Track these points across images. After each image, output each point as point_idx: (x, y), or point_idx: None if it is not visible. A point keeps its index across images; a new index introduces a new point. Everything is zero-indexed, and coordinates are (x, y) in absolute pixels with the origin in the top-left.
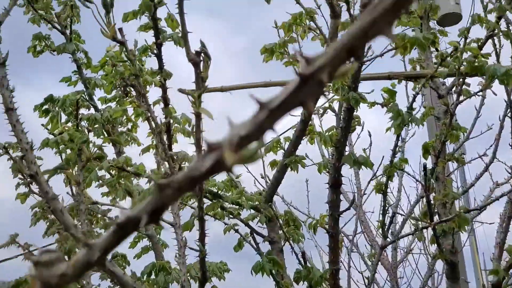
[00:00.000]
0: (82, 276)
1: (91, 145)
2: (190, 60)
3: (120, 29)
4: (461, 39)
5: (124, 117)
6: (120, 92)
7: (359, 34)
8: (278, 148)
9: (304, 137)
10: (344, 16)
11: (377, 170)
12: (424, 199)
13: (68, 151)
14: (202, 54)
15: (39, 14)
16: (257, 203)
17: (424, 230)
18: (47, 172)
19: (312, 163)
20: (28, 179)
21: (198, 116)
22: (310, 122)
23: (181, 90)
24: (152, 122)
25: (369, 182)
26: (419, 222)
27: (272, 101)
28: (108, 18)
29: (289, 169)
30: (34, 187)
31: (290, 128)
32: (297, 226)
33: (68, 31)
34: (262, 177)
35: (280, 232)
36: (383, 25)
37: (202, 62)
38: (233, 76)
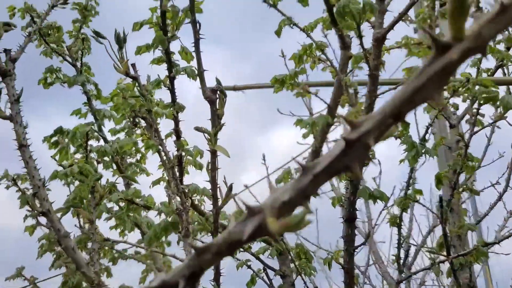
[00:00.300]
0: None
1: (103, 180)
2: (206, 98)
3: (133, 65)
4: (467, 66)
5: (133, 148)
6: (129, 123)
7: (406, 99)
8: (289, 180)
9: None
10: (354, 48)
11: (388, 200)
12: (436, 229)
13: (76, 182)
14: (218, 92)
15: (51, 47)
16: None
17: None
18: (60, 210)
19: (322, 192)
20: (36, 212)
21: (213, 154)
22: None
23: (197, 128)
24: (164, 156)
25: (380, 213)
26: (435, 255)
27: (316, 166)
28: (121, 54)
29: None
30: (42, 219)
31: (296, 156)
32: (309, 259)
33: (79, 64)
34: None
35: (292, 265)
36: (431, 91)
37: (217, 100)
38: (239, 101)
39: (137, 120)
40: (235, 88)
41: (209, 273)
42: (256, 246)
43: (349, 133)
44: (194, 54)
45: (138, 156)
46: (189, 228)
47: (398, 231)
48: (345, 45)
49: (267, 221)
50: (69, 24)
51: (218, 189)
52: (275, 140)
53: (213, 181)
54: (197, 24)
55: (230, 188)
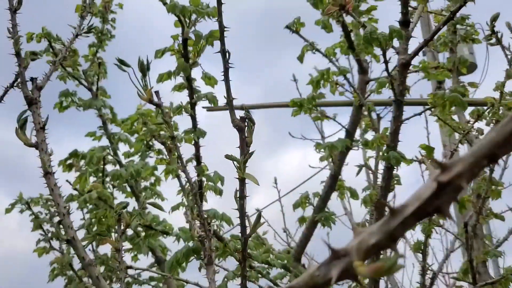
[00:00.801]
0: None
1: (130, 209)
2: (235, 126)
3: (157, 92)
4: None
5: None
6: (143, 146)
7: (502, 142)
8: (307, 204)
9: (333, 192)
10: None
11: None
12: (452, 254)
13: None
14: (247, 120)
15: (67, 72)
16: (285, 261)
17: None
18: (86, 239)
19: (336, 216)
20: (49, 235)
21: (242, 181)
22: (339, 177)
23: (227, 156)
24: (184, 181)
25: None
26: (459, 282)
27: (406, 209)
28: (145, 81)
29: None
30: (54, 243)
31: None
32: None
33: (94, 87)
34: (284, 231)
35: None
36: None
37: (246, 127)
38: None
39: (150, 143)
40: (243, 108)
41: None
42: (274, 272)
43: (440, 175)
44: (222, 82)
45: (153, 179)
46: (212, 255)
47: (423, 258)
48: (363, 70)
49: (355, 265)
50: (84, 47)
51: (246, 217)
52: (284, 163)
53: (241, 209)
54: (227, 54)
55: (258, 217)
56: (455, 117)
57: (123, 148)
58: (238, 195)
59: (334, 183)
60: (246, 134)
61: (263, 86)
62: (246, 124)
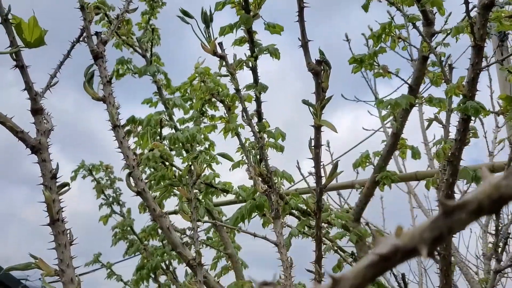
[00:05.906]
0: None
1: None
2: (311, 70)
3: (220, 44)
4: None
5: (202, 135)
6: (196, 111)
7: None
8: (367, 164)
9: (394, 152)
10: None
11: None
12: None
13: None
14: (323, 64)
15: (122, 40)
16: (345, 221)
17: None
18: (157, 189)
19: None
20: (111, 199)
21: (318, 129)
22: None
23: (304, 102)
24: (243, 138)
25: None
26: None
27: None
28: (208, 33)
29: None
30: (116, 208)
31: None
32: None
33: (148, 54)
34: (337, 194)
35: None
36: None
37: (322, 72)
38: (297, 88)
39: (204, 109)
40: (353, 186)
41: (308, 256)
42: (333, 231)
43: None
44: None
45: (207, 144)
46: (279, 209)
47: (496, 217)
48: (428, 22)
49: None
50: (137, 16)
51: (322, 167)
52: (335, 126)
53: (316, 158)
54: None
55: (335, 166)
56: None
57: (178, 114)
58: (313, 144)
59: (395, 141)
60: (322, 79)
61: (314, 48)
62: (322, 68)
